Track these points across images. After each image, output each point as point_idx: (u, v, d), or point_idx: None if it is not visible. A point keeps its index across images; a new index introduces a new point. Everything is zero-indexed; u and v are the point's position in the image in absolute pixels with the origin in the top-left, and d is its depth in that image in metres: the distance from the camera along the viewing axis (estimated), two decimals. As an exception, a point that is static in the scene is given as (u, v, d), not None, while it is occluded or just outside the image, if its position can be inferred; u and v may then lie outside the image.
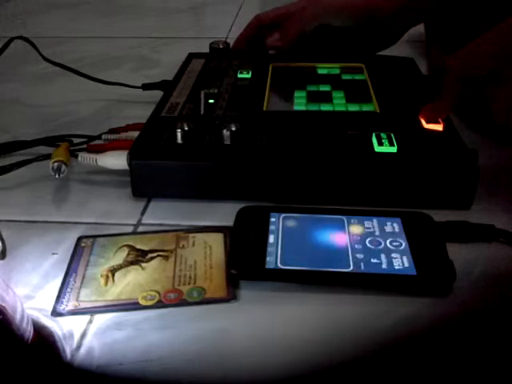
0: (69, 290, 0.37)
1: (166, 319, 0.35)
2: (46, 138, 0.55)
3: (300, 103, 0.54)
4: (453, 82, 0.47)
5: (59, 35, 0.91)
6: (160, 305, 0.36)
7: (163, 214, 0.46)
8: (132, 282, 0.38)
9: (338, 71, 0.61)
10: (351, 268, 0.37)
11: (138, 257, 0.40)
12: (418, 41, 0.75)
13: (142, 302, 0.36)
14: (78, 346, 0.33)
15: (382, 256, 0.38)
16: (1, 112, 0.65)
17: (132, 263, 0.40)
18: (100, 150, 0.50)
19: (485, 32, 0.47)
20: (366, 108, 0.53)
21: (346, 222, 0.42)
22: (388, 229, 0.41)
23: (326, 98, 0.55)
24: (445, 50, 0.64)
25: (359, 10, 0.57)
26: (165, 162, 0.46)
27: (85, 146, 0.52)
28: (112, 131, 0.54)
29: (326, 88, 0.57)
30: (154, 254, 0.40)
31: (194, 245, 0.41)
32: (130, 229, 0.44)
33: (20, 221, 0.45)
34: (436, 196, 0.45)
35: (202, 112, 0.52)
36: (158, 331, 0.34)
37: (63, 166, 0.48)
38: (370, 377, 0.32)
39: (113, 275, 0.39)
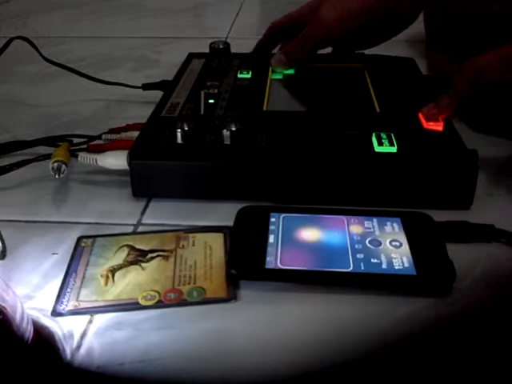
0: (69, 290, 0.37)
1: (166, 319, 0.35)
2: (46, 138, 0.55)
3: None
4: (464, 83, 0.47)
5: (59, 35, 0.91)
6: (160, 305, 0.36)
7: (163, 214, 0.46)
8: (132, 282, 0.38)
9: (337, 71, 0.61)
10: (351, 268, 0.37)
11: (138, 257, 0.40)
12: (418, 41, 0.75)
13: (142, 302, 0.36)
14: (78, 346, 0.33)
15: (382, 256, 0.38)
16: (1, 112, 0.65)
17: (132, 263, 0.40)
18: (100, 149, 0.50)
19: (491, 35, 0.47)
20: (366, 108, 0.53)
21: (345, 222, 0.42)
22: (388, 229, 0.41)
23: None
24: (445, 51, 0.64)
25: (359, 18, 0.57)
26: (165, 162, 0.46)
27: (85, 146, 0.52)
28: (112, 131, 0.54)
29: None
30: (154, 254, 0.40)
31: (194, 245, 0.41)
32: (130, 229, 0.44)
33: (20, 221, 0.45)
34: (436, 196, 0.45)
35: (202, 112, 0.52)
36: (157, 331, 0.34)
37: (63, 166, 0.48)
38: (370, 377, 0.32)
39: (113, 275, 0.39)
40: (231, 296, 0.37)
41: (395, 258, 0.38)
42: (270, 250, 0.39)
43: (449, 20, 0.60)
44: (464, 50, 0.48)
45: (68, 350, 0.33)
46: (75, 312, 0.36)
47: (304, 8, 0.62)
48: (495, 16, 0.54)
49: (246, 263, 0.38)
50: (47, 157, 0.50)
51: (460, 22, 0.58)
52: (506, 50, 0.45)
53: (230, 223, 0.42)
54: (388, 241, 0.40)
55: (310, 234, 0.41)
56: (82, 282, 0.38)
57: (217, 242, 0.42)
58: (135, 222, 0.45)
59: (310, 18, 0.58)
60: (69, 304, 0.36)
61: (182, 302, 0.36)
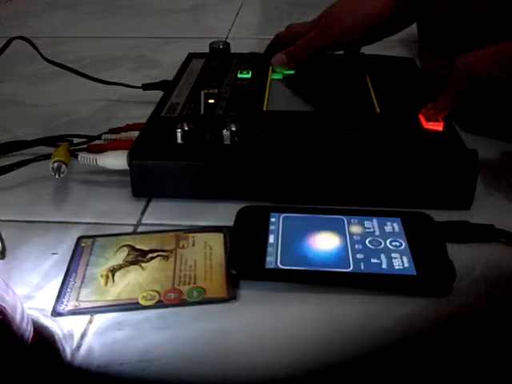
0: (69, 290, 0.37)
1: (166, 319, 0.35)
2: (46, 137, 0.55)
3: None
4: (458, 79, 0.47)
5: (59, 35, 0.91)
6: (160, 305, 0.36)
7: (163, 214, 0.46)
8: (132, 282, 0.38)
9: (337, 71, 0.61)
10: (351, 268, 0.37)
11: (138, 257, 0.40)
12: (417, 41, 0.75)
13: (142, 302, 0.36)
14: (78, 346, 0.33)
15: (382, 256, 0.38)
16: (1, 112, 0.65)
17: (132, 263, 0.40)
18: (100, 149, 0.50)
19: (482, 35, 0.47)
20: (366, 108, 0.53)
21: (345, 222, 0.42)
22: (388, 229, 0.41)
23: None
24: (437, 53, 0.64)
25: (364, 34, 0.58)
26: (165, 162, 0.46)
27: (85, 145, 0.52)
28: (112, 131, 0.54)
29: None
30: (154, 254, 0.40)
31: (194, 245, 0.41)
32: (130, 229, 0.44)
33: (20, 221, 0.45)
34: (436, 196, 0.45)
35: (201, 112, 0.52)
36: (157, 331, 0.34)
37: (63, 166, 0.48)
38: (370, 377, 0.32)
39: (113, 275, 0.39)
40: (231, 296, 0.37)
41: (395, 258, 0.38)
42: (270, 250, 0.39)
43: (440, 22, 0.60)
44: (455, 53, 0.48)
45: (68, 349, 0.33)
46: (75, 312, 0.36)
47: (308, 23, 0.62)
48: (484, 17, 0.54)
49: (246, 263, 0.38)
50: (47, 157, 0.50)
51: (451, 24, 0.58)
52: (493, 50, 0.46)
53: (230, 223, 0.42)
54: (388, 241, 0.40)
55: (310, 233, 0.41)
56: (82, 282, 0.38)
57: (217, 242, 0.42)
58: (135, 222, 0.45)
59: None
60: (69, 304, 0.36)
61: (182, 302, 0.36)
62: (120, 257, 0.40)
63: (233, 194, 0.46)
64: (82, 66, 0.68)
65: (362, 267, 0.37)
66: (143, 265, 0.40)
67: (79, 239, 0.42)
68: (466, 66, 0.46)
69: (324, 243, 0.40)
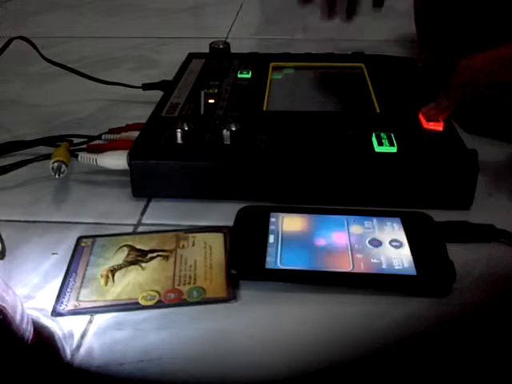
0: (69, 290, 0.37)
1: (166, 319, 0.35)
2: (46, 138, 0.55)
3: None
4: (462, 82, 0.47)
5: (59, 35, 0.91)
6: (160, 305, 0.36)
7: (163, 214, 0.46)
8: (132, 282, 0.38)
9: (337, 71, 0.61)
10: (351, 268, 0.37)
11: (138, 257, 0.40)
12: (417, 40, 0.75)
13: (142, 302, 0.36)
14: (78, 346, 0.33)
15: (382, 256, 0.38)
16: (1, 112, 0.65)
17: (132, 263, 0.40)
18: (100, 149, 0.50)
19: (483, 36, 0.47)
20: (366, 108, 0.53)
21: (346, 221, 0.42)
22: (388, 229, 0.41)
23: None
24: (437, 53, 0.64)
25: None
26: (165, 162, 0.46)
27: (85, 145, 0.52)
28: (112, 131, 0.54)
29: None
30: (154, 254, 0.40)
31: (194, 245, 0.41)
32: (130, 229, 0.44)
33: (20, 221, 0.45)
34: (436, 196, 0.45)
35: (202, 112, 0.52)
36: (157, 331, 0.34)
37: (63, 166, 0.48)
38: (370, 377, 0.32)
39: (113, 275, 0.39)
40: (231, 296, 0.37)
41: (395, 258, 0.38)
42: (270, 249, 0.39)
43: (440, 22, 0.60)
44: (455, 53, 0.48)
45: (68, 350, 0.33)
46: (75, 312, 0.36)
47: None
48: (485, 18, 0.54)
49: (246, 263, 0.38)
50: (47, 157, 0.50)
51: (451, 24, 0.58)
52: (496, 53, 0.45)
53: (230, 223, 0.42)
54: (388, 241, 0.40)
55: (310, 233, 0.41)
56: (82, 282, 0.38)
57: (217, 242, 0.42)
58: (135, 222, 0.45)
59: None
60: (69, 304, 0.36)
61: (182, 302, 0.36)
62: (120, 257, 0.40)
63: (233, 194, 0.46)
64: (82, 66, 0.68)
65: (362, 267, 0.37)
66: (143, 265, 0.40)
67: (79, 239, 0.42)
68: (467, 68, 0.46)
69: (324, 243, 0.40)
